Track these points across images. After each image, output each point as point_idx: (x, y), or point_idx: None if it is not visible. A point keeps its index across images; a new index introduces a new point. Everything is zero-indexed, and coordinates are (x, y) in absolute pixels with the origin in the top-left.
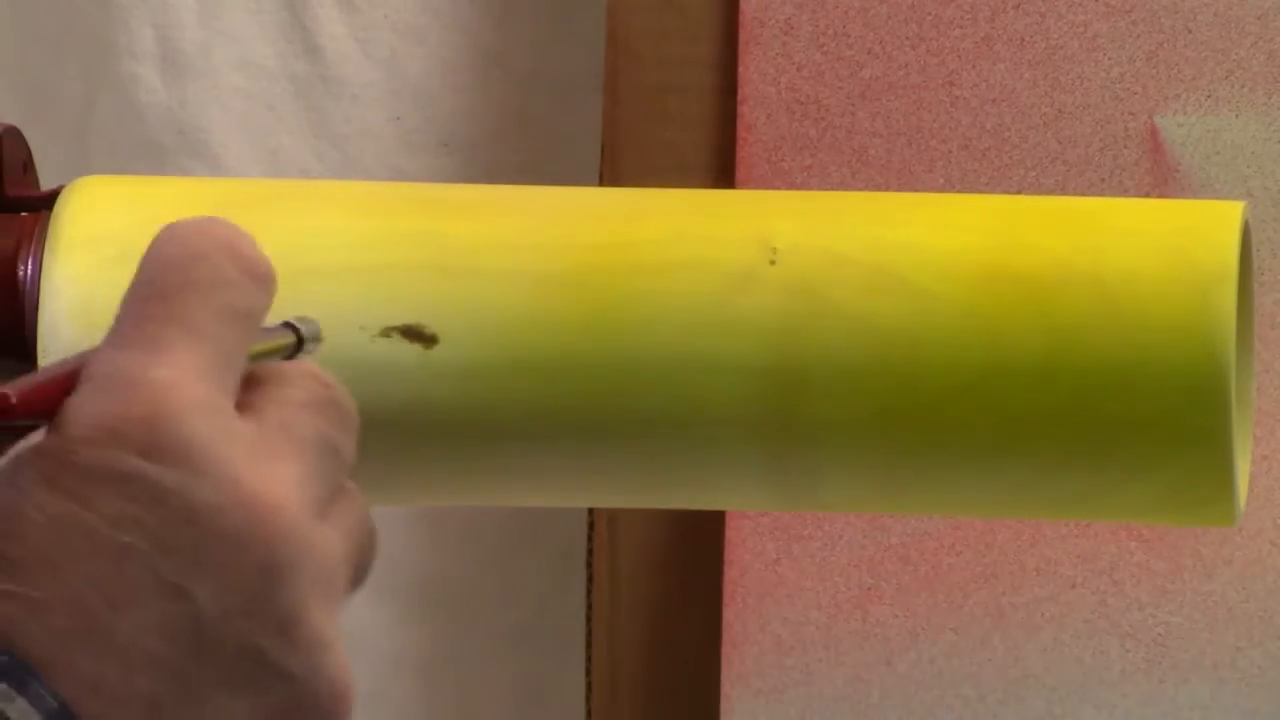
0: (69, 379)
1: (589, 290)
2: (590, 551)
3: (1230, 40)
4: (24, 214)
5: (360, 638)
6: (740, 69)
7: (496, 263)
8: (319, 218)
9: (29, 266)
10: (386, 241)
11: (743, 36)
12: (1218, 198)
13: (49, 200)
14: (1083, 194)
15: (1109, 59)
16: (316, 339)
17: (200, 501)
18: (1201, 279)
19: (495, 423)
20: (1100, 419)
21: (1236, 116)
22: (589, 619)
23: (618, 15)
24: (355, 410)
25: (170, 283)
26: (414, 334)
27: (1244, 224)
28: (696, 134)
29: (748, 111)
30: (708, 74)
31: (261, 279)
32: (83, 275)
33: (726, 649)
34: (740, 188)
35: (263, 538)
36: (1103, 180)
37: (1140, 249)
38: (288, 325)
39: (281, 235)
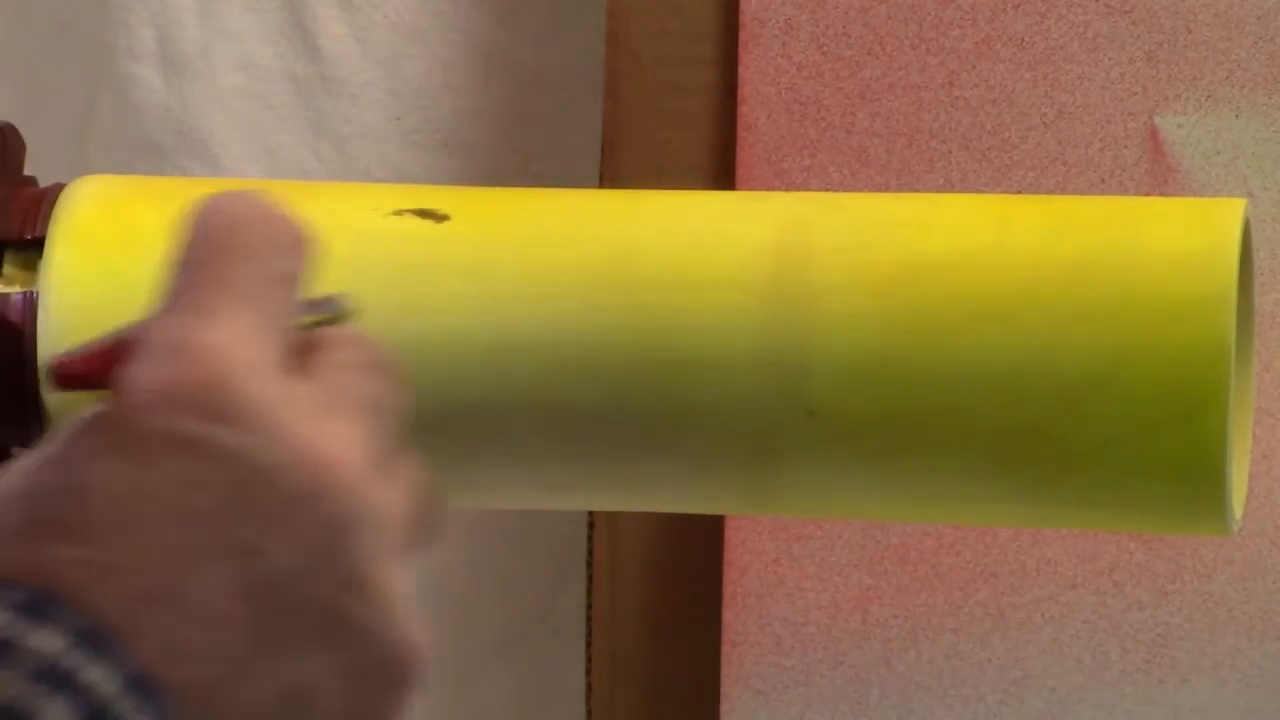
0: (123, 347)
1: (602, 199)
2: (590, 551)
3: (1230, 40)
4: (27, 202)
5: None
6: (740, 69)
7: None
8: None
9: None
10: (402, 192)
11: (743, 36)
12: (1218, 198)
13: (50, 198)
14: (1083, 194)
15: (1109, 59)
16: (349, 314)
17: (264, 461)
18: (1201, 276)
19: (499, 289)
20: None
21: (1236, 117)
22: (589, 619)
23: (618, 15)
24: (403, 373)
25: (216, 251)
26: (426, 214)
27: (1244, 222)
28: (696, 134)
29: (748, 112)
30: (708, 74)
31: (300, 244)
32: (81, 276)
33: (726, 649)
34: (740, 188)
35: (328, 494)
36: (1103, 180)
37: (1140, 246)
38: (317, 302)
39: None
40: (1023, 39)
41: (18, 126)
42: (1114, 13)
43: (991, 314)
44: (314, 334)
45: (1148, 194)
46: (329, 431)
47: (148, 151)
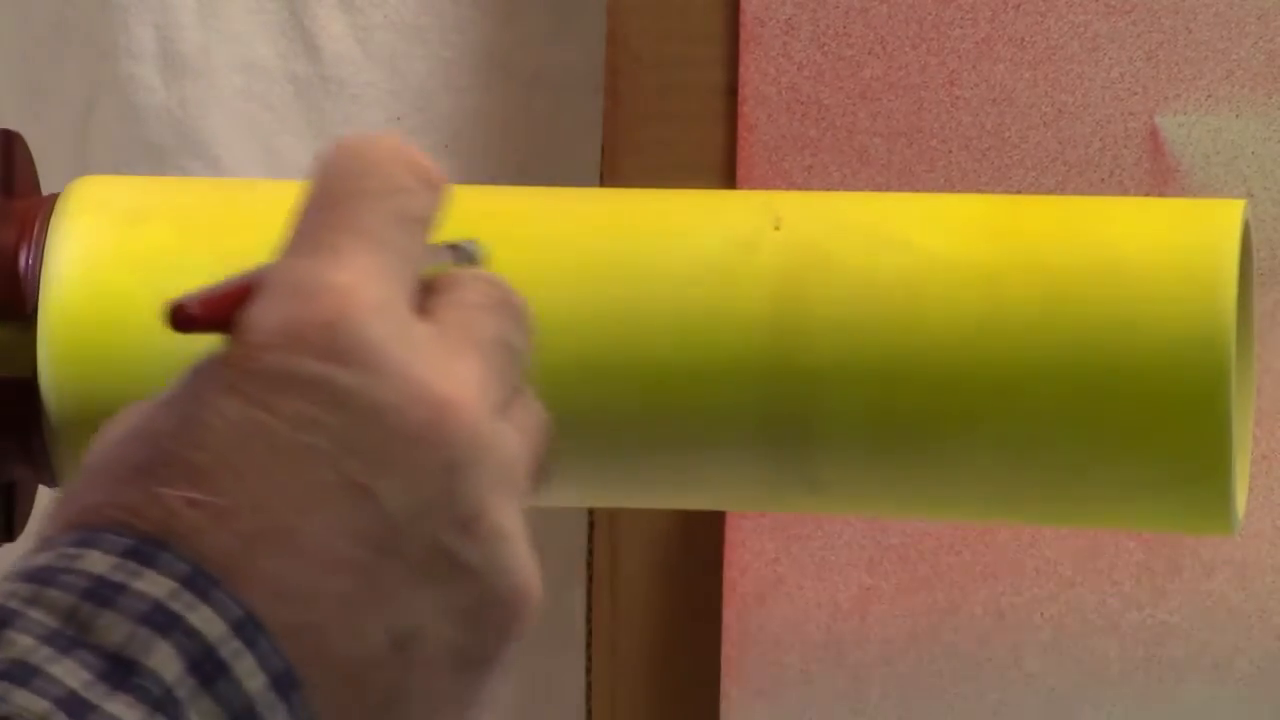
0: (246, 290)
1: (598, 242)
2: (590, 551)
3: (1230, 40)
4: (25, 210)
5: None
6: (741, 69)
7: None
8: None
9: (29, 260)
10: None
11: (743, 36)
12: (1218, 198)
13: (50, 202)
14: (1083, 194)
15: (1109, 59)
16: (478, 259)
17: (382, 401)
18: (1201, 277)
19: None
20: (1098, 392)
21: (1237, 116)
22: (589, 619)
23: (618, 15)
24: (529, 311)
25: (343, 191)
26: None
27: (1244, 222)
28: (697, 134)
29: (749, 111)
30: (708, 74)
31: (432, 184)
32: (81, 277)
33: (726, 649)
34: (741, 188)
35: (444, 435)
36: (1103, 180)
37: (1140, 246)
38: (450, 247)
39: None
40: (1023, 39)
41: (18, 126)
42: (1114, 12)
43: (985, 401)
44: (443, 275)
45: (1148, 194)
46: (449, 372)
47: (148, 152)
